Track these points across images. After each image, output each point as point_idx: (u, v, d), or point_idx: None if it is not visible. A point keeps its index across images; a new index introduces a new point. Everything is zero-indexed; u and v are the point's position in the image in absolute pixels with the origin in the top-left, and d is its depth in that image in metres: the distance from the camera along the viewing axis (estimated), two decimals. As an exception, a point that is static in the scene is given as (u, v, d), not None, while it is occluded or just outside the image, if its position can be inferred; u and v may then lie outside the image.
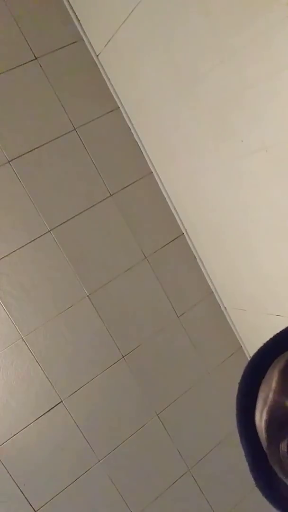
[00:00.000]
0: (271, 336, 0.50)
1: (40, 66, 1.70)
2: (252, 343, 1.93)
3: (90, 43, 1.75)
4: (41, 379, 1.70)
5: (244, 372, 0.50)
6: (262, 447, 0.45)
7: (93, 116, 1.78)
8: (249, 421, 0.46)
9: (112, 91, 1.80)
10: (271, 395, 0.43)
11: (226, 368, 1.96)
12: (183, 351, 1.93)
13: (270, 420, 0.43)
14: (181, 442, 1.91)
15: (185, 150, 1.62)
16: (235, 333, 1.99)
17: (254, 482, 0.46)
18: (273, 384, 0.43)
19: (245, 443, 0.47)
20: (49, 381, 1.71)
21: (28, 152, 1.69)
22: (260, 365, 0.48)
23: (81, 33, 1.75)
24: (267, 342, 0.50)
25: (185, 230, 1.91)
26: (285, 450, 0.41)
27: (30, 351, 1.69)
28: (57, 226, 1.73)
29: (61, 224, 1.73)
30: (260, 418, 0.44)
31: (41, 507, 1.69)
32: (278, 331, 0.51)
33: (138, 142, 1.85)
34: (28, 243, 1.69)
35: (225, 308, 1.97)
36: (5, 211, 1.67)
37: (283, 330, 0.51)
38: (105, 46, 1.69)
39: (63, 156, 1.74)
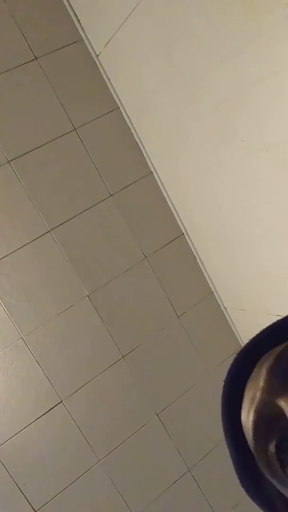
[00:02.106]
0: (257, 333, 0.49)
1: (40, 66, 1.70)
2: (252, 343, 1.93)
3: (90, 43, 1.75)
4: (41, 379, 1.70)
5: (229, 369, 0.48)
6: (248, 447, 0.43)
7: (93, 116, 1.78)
8: (234, 420, 0.45)
9: (112, 91, 1.80)
10: (258, 394, 0.42)
11: (226, 368, 1.95)
12: (183, 351, 1.93)
13: (258, 421, 0.41)
14: (181, 442, 1.91)
15: (185, 150, 1.62)
16: (235, 333, 1.99)
17: (239, 483, 0.44)
18: (261, 383, 0.42)
19: (231, 443, 0.45)
20: (49, 381, 1.71)
21: (28, 152, 1.69)
22: (246, 362, 0.46)
23: (81, 33, 1.75)
24: (252, 339, 0.49)
25: (185, 230, 1.91)
26: (274, 451, 0.39)
27: (30, 351, 1.69)
28: (57, 226, 1.73)
29: (61, 224, 1.73)
30: (247, 418, 0.42)
31: (41, 507, 1.69)
32: (263, 328, 0.49)
33: (138, 142, 1.85)
34: (28, 243, 1.69)
35: (225, 308, 1.97)
36: (5, 211, 1.67)
37: (268, 326, 0.49)
38: (105, 46, 1.69)
39: (63, 156, 1.74)
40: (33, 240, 1.70)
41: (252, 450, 0.43)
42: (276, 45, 1.05)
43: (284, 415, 0.38)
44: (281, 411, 0.39)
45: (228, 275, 1.83)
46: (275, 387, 0.40)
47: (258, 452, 0.41)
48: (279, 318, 0.50)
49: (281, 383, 0.40)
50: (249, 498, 0.44)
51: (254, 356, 0.46)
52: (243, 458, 0.44)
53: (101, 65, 1.78)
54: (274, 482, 0.41)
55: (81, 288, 1.76)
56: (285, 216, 1.34)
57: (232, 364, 0.48)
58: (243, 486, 0.44)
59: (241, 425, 0.44)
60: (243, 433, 0.44)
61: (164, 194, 1.89)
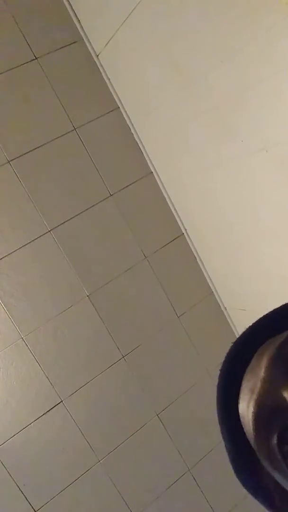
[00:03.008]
0: (253, 322, 0.47)
1: (40, 66, 1.70)
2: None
3: (90, 43, 1.75)
4: (41, 379, 1.70)
5: (225, 359, 0.46)
6: (244, 439, 0.42)
7: (93, 116, 1.78)
8: (231, 411, 0.44)
9: (112, 91, 1.80)
10: (259, 384, 0.40)
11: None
12: (183, 351, 1.93)
13: (259, 412, 0.39)
14: (181, 442, 1.91)
15: (185, 150, 1.62)
16: (235, 333, 1.99)
17: (235, 474, 0.43)
18: (261, 373, 0.40)
19: (227, 435, 0.44)
20: (49, 381, 1.71)
21: (28, 152, 1.69)
22: (243, 352, 0.45)
23: (81, 33, 1.75)
24: (250, 326, 0.47)
25: (185, 230, 1.91)
26: (275, 443, 0.38)
27: (30, 351, 1.69)
28: (57, 226, 1.73)
29: (61, 224, 1.73)
30: (247, 410, 0.41)
31: (41, 507, 1.69)
32: (259, 317, 0.47)
33: (138, 142, 1.85)
34: (28, 243, 1.69)
35: (225, 308, 1.97)
36: (5, 211, 1.67)
37: (267, 314, 0.48)
38: (105, 46, 1.69)
39: (63, 156, 1.74)
40: (33, 240, 1.70)
41: (251, 442, 0.42)
42: (276, 45, 1.05)
43: (287, 406, 0.37)
44: (283, 402, 0.37)
45: (228, 275, 1.83)
46: (277, 377, 0.39)
47: (259, 444, 0.40)
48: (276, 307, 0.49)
49: (283, 373, 0.39)
50: (248, 497, 0.43)
51: (254, 344, 0.45)
52: (239, 449, 0.43)
53: (101, 65, 1.78)
54: (275, 474, 0.40)
55: (81, 288, 1.76)
56: (285, 216, 1.34)
57: (229, 352, 0.47)
58: (239, 478, 0.43)
59: (238, 416, 0.43)
60: (239, 424, 0.43)
61: (164, 194, 1.89)
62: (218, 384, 0.46)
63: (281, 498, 0.41)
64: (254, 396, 0.40)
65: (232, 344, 0.47)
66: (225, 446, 0.44)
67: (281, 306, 0.48)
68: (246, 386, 0.42)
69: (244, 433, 0.43)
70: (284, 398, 0.37)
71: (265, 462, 0.40)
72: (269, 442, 0.39)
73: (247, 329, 0.47)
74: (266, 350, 0.42)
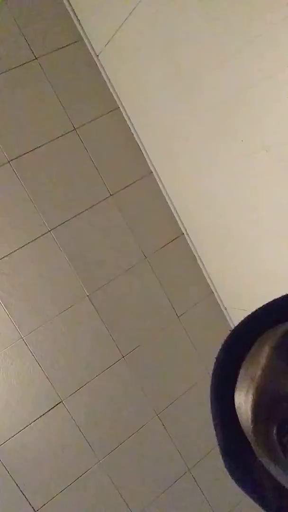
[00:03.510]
0: (248, 314, 0.46)
1: (40, 66, 1.70)
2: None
3: (90, 43, 1.75)
4: (41, 379, 1.70)
5: (222, 347, 0.45)
6: (237, 430, 0.41)
7: (93, 116, 1.78)
8: (226, 403, 0.42)
9: (112, 91, 1.80)
10: (260, 372, 0.39)
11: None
12: (183, 351, 1.93)
13: (259, 400, 0.38)
14: (181, 442, 1.91)
15: (185, 150, 1.62)
16: (235, 333, 1.99)
17: (225, 468, 0.42)
18: (264, 361, 0.39)
19: (220, 425, 0.42)
20: (49, 381, 1.71)
21: (28, 152, 1.69)
22: (244, 338, 0.43)
23: (81, 33, 1.75)
24: (251, 314, 0.46)
25: (185, 230, 1.91)
26: (275, 433, 0.37)
27: (30, 351, 1.69)
28: (57, 226, 1.73)
29: (61, 224, 1.73)
30: (245, 398, 0.40)
31: (41, 507, 1.69)
32: (255, 309, 0.46)
33: (138, 142, 1.85)
34: (28, 243, 1.69)
35: (225, 308, 1.97)
36: (5, 211, 1.67)
37: (269, 302, 0.47)
38: (105, 46, 1.69)
39: (63, 156, 1.74)
40: (33, 240, 1.70)
41: (248, 434, 0.40)
42: (276, 45, 1.05)
43: None
44: (285, 389, 0.36)
45: (228, 275, 1.83)
46: (280, 365, 0.38)
47: (257, 434, 0.39)
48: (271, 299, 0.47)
49: (286, 361, 0.38)
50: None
51: (250, 335, 0.43)
52: (231, 440, 0.41)
53: (101, 65, 1.78)
54: (271, 466, 0.39)
55: (81, 288, 1.76)
56: (285, 216, 1.34)
57: (225, 342, 0.45)
58: (228, 469, 0.42)
59: (232, 408, 0.42)
60: (233, 415, 0.41)
61: (164, 194, 1.89)
62: (214, 372, 0.45)
63: (274, 494, 0.40)
64: (254, 384, 0.39)
65: (229, 332, 0.46)
66: (216, 436, 0.43)
67: (278, 298, 0.47)
68: (246, 374, 0.41)
69: (238, 426, 0.41)
70: (286, 385, 0.36)
71: (263, 453, 0.39)
72: (268, 432, 0.37)
73: (245, 318, 0.46)
74: (268, 339, 0.41)
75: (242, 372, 0.42)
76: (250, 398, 0.39)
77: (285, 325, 0.41)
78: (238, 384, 0.41)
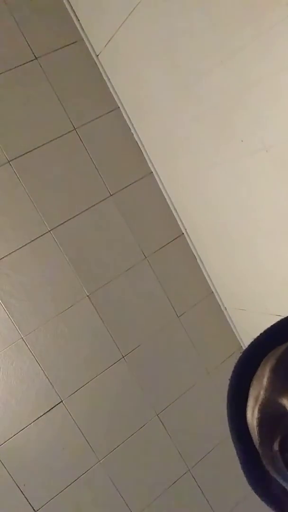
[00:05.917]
0: (263, 331, 0.49)
1: (40, 66, 1.70)
2: (252, 343, 1.93)
3: (90, 43, 1.75)
4: (41, 379, 1.70)
5: (235, 368, 0.49)
6: (254, 445, 0.44)
7: (93, 116, 1.78)
8: (240, 418, 0.46)
9: (112, 91, 1.80)
10: (262, 393, 0.42)
11: (226, 368, 1.96)
12: (183, 351, 1.93)
13: (262, 419, 0.42)
14: (181, 442, 1.91)
15: (185, 150, 1.62)
16: (235, 333, 1.99)
17: (246, 481, 0.45)
18: (264, 382, 0.43)
19: (237, 441, 0.46)
20: (49, 381, 1.71)
21: (28, 152, 1.69)
22: (252, 361, 0.47)
23: (81, 33, 1.75)
24: (258, 337, 0.49)
25: (185, 230, 1.91)
26: (277, 449, 0.40)
27: (30, 351, 1.69)
28: (57, 226, 1.73)
29: (61, 224, 1.73)
30: (252, 416, 0.43)
31: (41, 507, 1.69)
32: (270, 325, 0.50)
33: (138, 142, 1.85)
34: (28, 243, 1.69)
35: (225, 308, 1.97)
36: (5, 211, 1.67)
37: (274, 324, 0.50)
38: (105, 46, 1.69)
39: (63, 156, 1.74)
40: (33, 240, 1.70)
41: (257, 448, 0.43)
42: (276, 45, 1.05)
43: (287, 413, 0.39)
44: (285, 410, 0.40)
45: (228, 275, 1.83)
46: (278, 386, 0.41)
47: (263, 450, 0.42)
48: (282, 317, 0.50)
49: (283, 382, 0.41)
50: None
51: (260, 354, 0.47)
52: (249, 456, 0.45)
53: (101, 65, 1.78)
54: (279, 479, 0.42)
55: (81, 288, 1.76)
56: (285, 216, 1.34)
57: (237, 362, 0.49)
58: (250, 484, 0.45)
59: (247, 423, 0.45)
60: (248, 431, 0.45)
61: (164, 194, 1.89)
62: (228, 392, 0.49)
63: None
64: (258, 404, 0.43)
65: (240, 355, 0.49)
66: (236, 453, 0.46)
67: (284, 318, 0.50)
68: (252, 394, 0.44)
69: (252, 440, 0.45)
70: (284, 406, 0.40)
71: (269, 467, 0.42)
72: (272, 448, 0.41)
73: (254, 340, 0.49)
74: (269, 359, 0.44)
75: (250, 392, 0.45)
76: (255, 416, 0.43)
77: (283, 347, 0.44)
78: (248, 403, 0.45)
